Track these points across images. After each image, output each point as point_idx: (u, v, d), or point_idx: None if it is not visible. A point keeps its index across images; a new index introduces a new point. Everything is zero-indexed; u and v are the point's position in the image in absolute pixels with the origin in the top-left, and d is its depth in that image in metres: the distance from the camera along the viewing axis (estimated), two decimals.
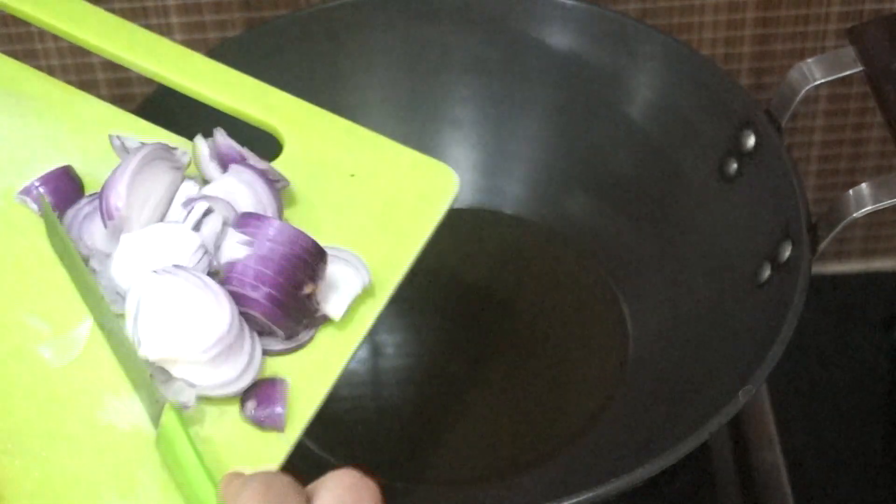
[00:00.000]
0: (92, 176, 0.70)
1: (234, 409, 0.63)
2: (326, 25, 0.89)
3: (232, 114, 0.72)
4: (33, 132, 0.71)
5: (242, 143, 0.70)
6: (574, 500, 0.69)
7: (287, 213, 0.69)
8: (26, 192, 0.69)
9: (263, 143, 0.72)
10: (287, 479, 0.53)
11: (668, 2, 0.95)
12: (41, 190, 0.68)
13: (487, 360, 0.88)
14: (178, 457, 0.59)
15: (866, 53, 0.79)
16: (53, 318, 0.65)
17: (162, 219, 0.67)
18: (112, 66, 0.95)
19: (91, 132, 0.71)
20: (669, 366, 0.84)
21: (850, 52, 0.80)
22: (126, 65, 0.75)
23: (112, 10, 0.94)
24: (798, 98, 0.80)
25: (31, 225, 0.68)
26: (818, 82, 0.80)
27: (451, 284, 0.91)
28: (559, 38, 0.89)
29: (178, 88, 0.73)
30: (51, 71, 0.95)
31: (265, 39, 0.88)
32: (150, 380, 0.61)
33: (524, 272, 0.92)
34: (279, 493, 0.52)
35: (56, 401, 0.63)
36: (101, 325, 0.64)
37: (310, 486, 0.53)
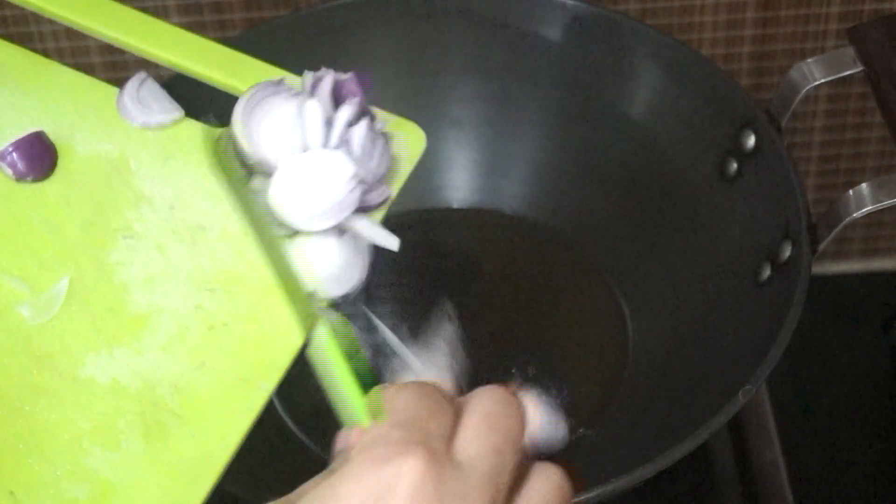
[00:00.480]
0: (64, 141, 0.71)
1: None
2: (326, 25, 0.89)
3: (198, 77, 0.73)
4: (3, 100, 0.72)
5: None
6: (574, 501, 0.69)
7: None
8: (1, 156, 0.70)
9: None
10: (440, 390, 0.54)
11: (668, 2, 0.95)
12: (14, 155, 0.70)
13: (487, 361, 0.88)
14: (330, 366, 0.58)
15: (866, 53, 0.79)
16: (31, 276, 0.67)
17: (301, 147, 0.69)
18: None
19: (61, 100, 0.72)
20: (669, 366, 0.84)
21: (850, 52, 0.80)
22: (87, 31, 0.75)
23: None
24: (798, 98, 0.80)
25: (3, 188, 0.69)
26: (818, 82, 0.80)
27: (451, 284, 0.91)
28: (559, 38, 0.89)
29: (142, 54, 0.74)
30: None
31: (265, 39, 0.88)
32: (305, 297, 0.62)
33: (523, 272, 0.92)
34: (432, 401, 0.52)
35: (36, 357, 0.65)
36: (264, 247, 0.64)
37: (460, 399, 0.54)
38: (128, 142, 0.71)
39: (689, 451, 0.70)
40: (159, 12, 0.93)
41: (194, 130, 0.71)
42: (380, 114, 0.71)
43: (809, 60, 0.80)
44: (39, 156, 0.71)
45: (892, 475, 0.95)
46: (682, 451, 0.70)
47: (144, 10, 0.93)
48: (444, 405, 0.53)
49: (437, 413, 0.52)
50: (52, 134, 0.71)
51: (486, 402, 0.54)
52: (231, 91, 0.73)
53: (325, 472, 0.51)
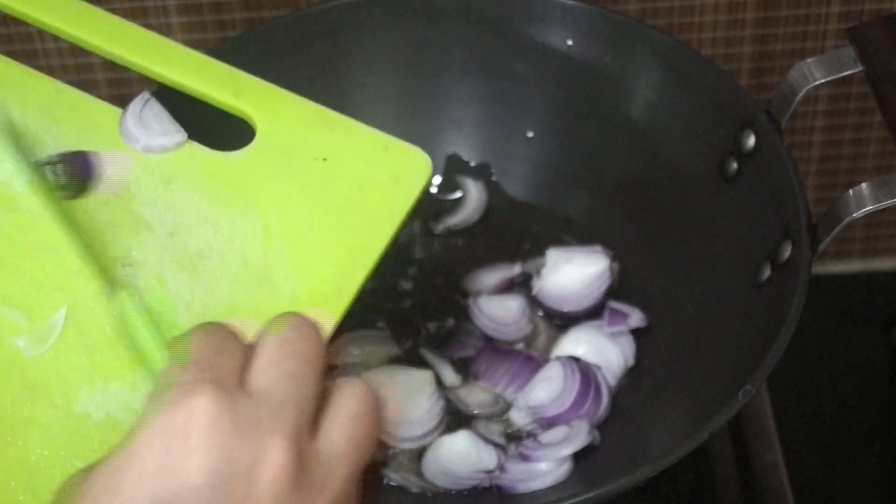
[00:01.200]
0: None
1: None
2: (326, 25, 0.89)
3: (202, 99, 0.72)
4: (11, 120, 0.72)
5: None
6: (574, 500, 0.69)
7: (260, 197, 0.69)
8: (50, 162, 0.70)
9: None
10: (227, 327, 0.54)
11: (668, 2, 0.95)
12: (60, 167, 0.69)
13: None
14: (132, 329, 0.59)
15: (866, 53, 0.79)
16: (28, 306, 0.66)
17: None
18: (112, 67, 0.95)
19: (63, 120, 0.71)
20: (670, 366, 0.84)
21: (850, 52, 0.80)
22: (88, 48, 0.75)
23: (112, 10, 0.94)
24: (798, 98, 0.80)
25: (3, 215, 0.68)
26: (818, 82, 0.80)
27: (450, 284, 0.91)
28: (559, 38, 0.89)
29: (145, 73, 0.73)
30: (51, 71, 0.95)
31: (265, 39, 0.88)
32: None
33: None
34: (219, 338, 0.53)
35: (30, 390, 0.64)
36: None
37: (257, 332, 0.54)
38: (129, 165, 0.70)
39: (689, 451, 0.70)
40: (159, 12, 0.93)
41: (197, 153, 0.70)
42: (384, 139, 0.71)
43: (809, 60, 0.80)
44: (81, 174, 0.69)
45: (892, 475, 0.95)
46: (682, 451, 0.70)
47: (144, 10, 0.94)
48: (232, 341, 0.53)
49: (227, 349, 0.53)
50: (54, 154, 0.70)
51: (278, 328, 0.54)
52: (237, 113, 0.72)
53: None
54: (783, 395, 0.95)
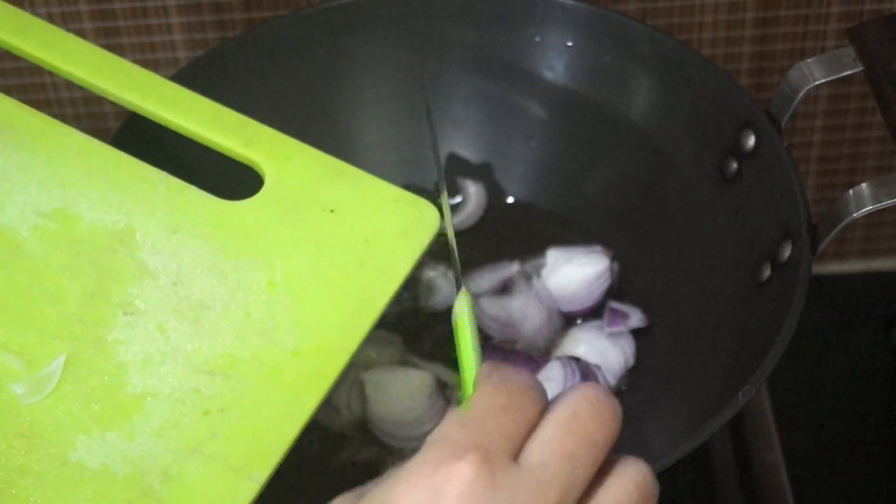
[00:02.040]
0: (71, 209, 0.69)
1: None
2: (326, 25, 0.89)
3: (211, 146, 0.72)
4: (11, 163, 0.70)
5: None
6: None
7: (266, 247, 0.68)
8: None
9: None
10: (526, 383, 0.51)
11: (668, 2, 0.95)
12: None
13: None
14: (460, 340, 0.56)
15: (866, 53, 0.79)
16: (27, 352, 0.64)
17: None
18: None
19: (71, 164, 0.70)
20: (670, 366, 0.84)
21: (850, 52, 0.80)
22: (100, 93, 0.74)
23: (113, 11, 0.94)
24: (798, 98, 0.80)
25: (5, 255, 0.68)
26: (818, 82, 0.80)
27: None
28: (559, 38, 0.89)
29: (155, 119, 0.73)
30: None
31: (265, 39, 0.88)
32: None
33: None
34: (509, 396, 0.50)
35: (25, 438, 0.62)
36: None
37: (556, 396, 0.52)
38: (135, 211, 0.69)
39: (689, 451, 0.70)
40: (159, 12, 0.93)
41: (203, 201, 0.69)
42: (394, 191, 0.70)
43: (809, 60, 0.80)
44: None
45: (892, 475, 0.95)
46: (682, 451, 0.70)
47: (144, 10, 0.93)
48: (525, 398, 0.51)
49: (514, 407, 0.50)
50: (59, 199, 0.69)
51: (573, 401, 0.51)
52: (246, 162, 0.72)
53: (393, 469, 0.50)
54: (783, 395, 0.95)
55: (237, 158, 0.72)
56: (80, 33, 0.93)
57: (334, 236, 0.69)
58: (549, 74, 0.91)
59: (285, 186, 0.70)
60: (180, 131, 0.72)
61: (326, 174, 0.71)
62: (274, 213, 0.69)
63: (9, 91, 0.96)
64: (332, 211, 0.69)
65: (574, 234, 0.91)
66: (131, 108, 0.73)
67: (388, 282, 0.67)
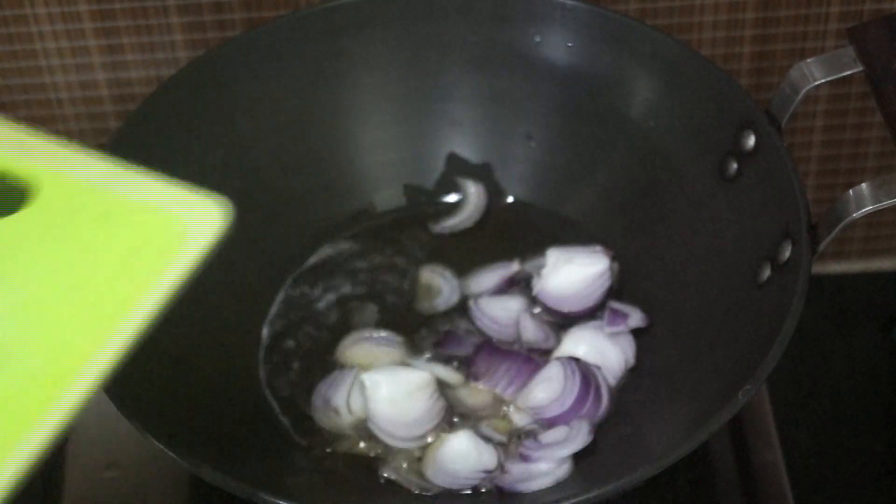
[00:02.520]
0: None
1: None
2: (326, 25, 0.89)
3: None
4: None
5: None
6: (574, 500, 0.69)
7: (21, 268, 0.63)
8: None
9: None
10: None
11: (668, 2, 0.95)
12: None
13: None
14: None
15: (866, 53, 0.79)
16: None
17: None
18: (112, 66, 0.95)
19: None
20: (670, 366, 0.84)
21: (850, 52, 0.80)
22: None
23: (113, 11, 0.94)
24: (798, 98, 0.80)
25: None
26: (818, 82, 0.80)
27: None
28: (559, 38, 0.89)
29: None
30: (51, 70, 0.95)
31: (265, 39, 0.88)
32: None
33: None
34: None
35: None
36: None
37: None
38: None
39: (689, 451, 0.70)
40: (159, 12, 0.93)
41: None
42: (171, 192, 0.64)
43: (809, 60, 0.80)
44: None
45: (892, 475, 0.94)
46: (683, 451, 0.70)
47: (144, 10, 0.93)
48: None
49: None
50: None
51: None
52: (8, 176, 0.66)
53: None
54: (783, 395, 0.95)
55: (4, 172, 0.66)
56: (80, 33, 0.94)
57: (100, 249, 0.64)
58: (548, 74, 0.91)
59: (59, 196, 0.66)
60: None
61: (98, 182, 0.66)
62: (35, 229, 0.65)
63: (9, 91, 0.97)
64: (99, 221, 0.65)
65: (574, 234, 0.91)
66: None
67: (152, 295, 0.62)
